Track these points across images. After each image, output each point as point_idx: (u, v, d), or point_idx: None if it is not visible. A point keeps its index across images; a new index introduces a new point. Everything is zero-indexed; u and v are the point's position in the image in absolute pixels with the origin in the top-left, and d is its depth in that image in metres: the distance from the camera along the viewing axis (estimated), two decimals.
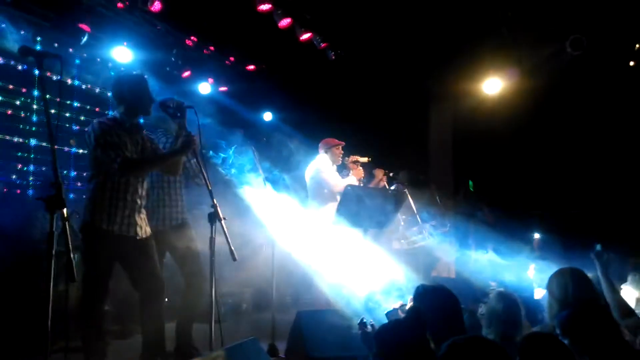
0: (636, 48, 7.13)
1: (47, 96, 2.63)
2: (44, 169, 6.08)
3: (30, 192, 6.05)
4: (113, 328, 4.80)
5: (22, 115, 5.97)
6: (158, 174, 4.06)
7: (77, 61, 6.46)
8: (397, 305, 3.33)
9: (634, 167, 7.84)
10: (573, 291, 3.15)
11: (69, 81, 6.43)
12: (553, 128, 8.45)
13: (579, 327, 2.61)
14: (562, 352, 2.32)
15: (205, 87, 7.44)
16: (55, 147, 2.50)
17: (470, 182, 8.74)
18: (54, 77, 5.31)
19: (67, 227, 2.38)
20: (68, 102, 6.46)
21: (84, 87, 6.66)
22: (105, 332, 3.70)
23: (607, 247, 3.61)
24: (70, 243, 2.36)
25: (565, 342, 2.51)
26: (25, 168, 6.01)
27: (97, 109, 6.75)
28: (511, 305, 3.17)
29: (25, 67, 5.89)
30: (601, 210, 7.87)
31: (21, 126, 5.97)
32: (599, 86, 7.83)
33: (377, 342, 2.56)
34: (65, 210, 2.41)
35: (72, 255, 2.36)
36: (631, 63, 7.33)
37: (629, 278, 4.33)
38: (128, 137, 3.49)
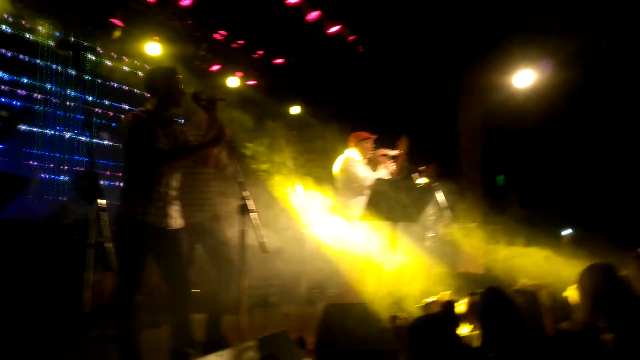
0: None
1: (87, 76, 2.67)
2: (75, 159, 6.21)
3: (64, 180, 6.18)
4: (143, 318, 4.87)
5: (58, 104, 6.10)
6: (191, 166, 4.10)
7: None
8: (432, 299, 3.31)
9: None
10: (605, 286, 3.09)
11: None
12: (587, 122, 8.23)
13: (623, 321, 2.58)
14: (595, 348, 2.30)
15: (233, 81, 7.51)
16: (94, 140, 2.55)
17: (501, 177, 8.60)
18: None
19: (104, 217, 2.41)
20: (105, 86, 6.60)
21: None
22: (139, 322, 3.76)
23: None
24: (107, 232, 2.40)
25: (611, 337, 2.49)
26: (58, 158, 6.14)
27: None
28: (530, 301, 3.13)
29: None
30: (636, 208, 7.65)
31: (57, 117, 6.10)
32: (635, 79, 7.60)
33: (410, 336, 2.55)
34: (101, 200, 2.45)
35: (108, 245, 2.40)
36: None
37: None
38: (161, 129, 3.53)
